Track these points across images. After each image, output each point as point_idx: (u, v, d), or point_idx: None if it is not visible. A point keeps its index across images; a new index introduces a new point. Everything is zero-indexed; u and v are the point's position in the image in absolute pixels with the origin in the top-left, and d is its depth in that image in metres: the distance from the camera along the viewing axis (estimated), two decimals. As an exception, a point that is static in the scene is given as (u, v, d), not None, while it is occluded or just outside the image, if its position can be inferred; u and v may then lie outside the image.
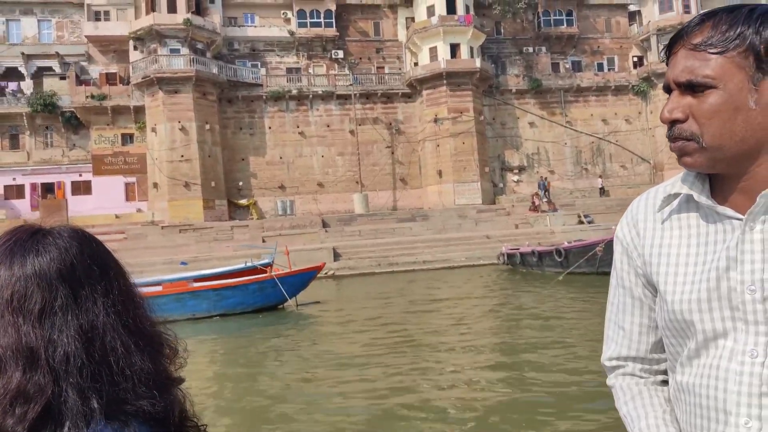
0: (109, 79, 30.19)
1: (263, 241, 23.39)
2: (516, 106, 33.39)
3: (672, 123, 0.84)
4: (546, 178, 30.13)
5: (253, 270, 13.28)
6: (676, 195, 0.89)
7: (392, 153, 32.47)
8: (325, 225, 24.51)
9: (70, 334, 0.72)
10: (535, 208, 25.49)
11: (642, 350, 0.95)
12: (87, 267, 0.75)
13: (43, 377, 0.70)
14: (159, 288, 10.79)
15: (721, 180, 0.86)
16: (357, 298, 12.78)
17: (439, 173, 30.99)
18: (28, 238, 0.75)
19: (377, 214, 26.21)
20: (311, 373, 6.27)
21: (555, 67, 34.36)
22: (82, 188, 29.56)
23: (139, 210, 29.57)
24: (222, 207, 29.44)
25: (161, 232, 23.97)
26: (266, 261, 13.88)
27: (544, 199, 26.03)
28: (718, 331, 0.82)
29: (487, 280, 15.19)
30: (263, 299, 10.82)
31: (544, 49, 34.36)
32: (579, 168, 33.69)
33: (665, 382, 0.96)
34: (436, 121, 31.16)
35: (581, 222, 23.62)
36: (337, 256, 21.02)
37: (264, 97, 31.08)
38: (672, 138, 0.84)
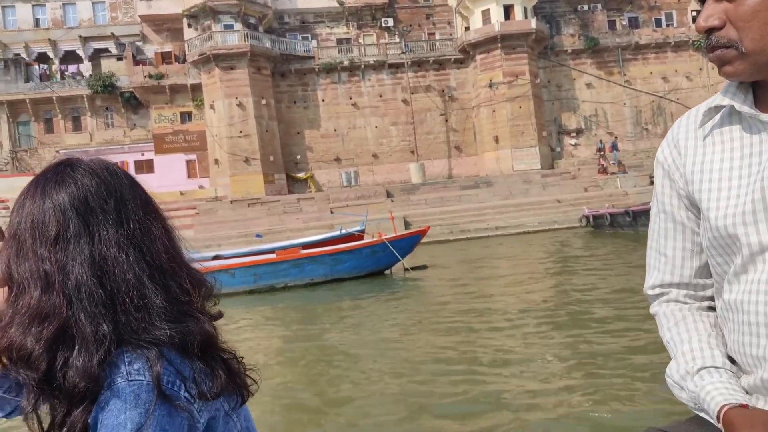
0: (165, 58, 30.47)
1: (331, 212, 23.59)
2: (572, 67, 32.48)
3: (709, 32, 0.79)
4: (616, 137, 29.52)
5: (348, 237, 13.43)
6: (718, 108, 0.85)
7: (446, 121, 32.10)
8: (389, 195, 24.53)
9: (82, 262, 0.75)
10: (603, 170, 24.97)
11: (685, 275, 0.92)
12: (102, 199, 0.78)
13: (59, 299, 0.74)
14: (273, 255, 11.00)
15: (765, 88, 0.82)
16: (466, 262, 12.79)
17: (496, 139, 30.54)
18: (53, 170, 0.80)
19: (439, 182, 26.08)
20: (410, 337, 6.20)
21: (611, 24, 33.19)
22: (144, 167, 30.16)
23: (201, 186, 30.08)
24: (281, 181, 29.71)
25: (230, 206, 24.39)
26: (358, 228, 14.01)
27: (612, 161, 25.44)
28: (765, 244, 0.78)
29: (580, 242, 15.01)
30: (375, 263, 10.93)
31: (599, 6, 33.18)
32: (639, 128, 32.76)
33: (710, 308, 0.92)
34: (491, 86, 30.58)
35: (653, 183, 23.05)
36: (407, 224, 21.02)
37: (316, 70, 30.96)
38: (710, 48, 0.80)
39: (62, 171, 0.80)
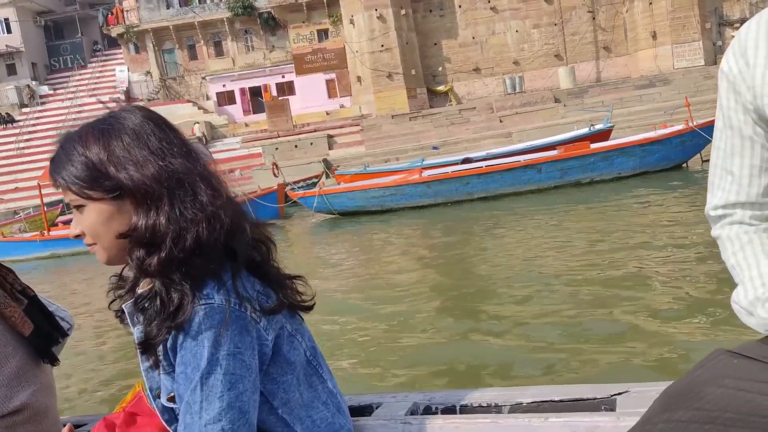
0: (298, -27, 29.61)
1: (500, 121, 22.85)
2: (739, -55, 28.86)
3: None
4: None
5: (597, 134, 12.83)
6: None
7: (593, 19, 29.78)
8: (557, 100, 23.38)
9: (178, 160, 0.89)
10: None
11: (753, 194, 0.84)
12: (159, 120, 0.92)
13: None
14: (556, 152, 10.62)
15: None
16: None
17: (653, 35, 28.10)
18: (98, 122, 0.90)
19: (608, 84, 24.55)
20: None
21: None
22: (285, 89, 30.25)
23: (342, 106, 29.92)
24: (423, 95, 28.99)
25: (392, 121, 24.12)
26: (603, 126, 13.32)
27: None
28: None
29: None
30: (682, 154, 10.31)
31: None
32: (818, 12, 29.12)
33: None
34: (647, -25, 27.81)
35: None
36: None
37: (452, -27, 29.23)
38: None
39: (106, 123, 0.89)
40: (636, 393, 1.04)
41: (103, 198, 0.86)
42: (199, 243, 0.83)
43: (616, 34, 29.76)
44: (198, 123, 26.10)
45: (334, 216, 11.20)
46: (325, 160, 21.21)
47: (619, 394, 1.06)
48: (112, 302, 0.98)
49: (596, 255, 5.67)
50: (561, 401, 1.09)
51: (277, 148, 22.36)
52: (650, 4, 28.06)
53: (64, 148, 0.89)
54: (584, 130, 13.02)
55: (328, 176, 16.99)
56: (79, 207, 0.89)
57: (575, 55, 29.68)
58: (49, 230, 12.46)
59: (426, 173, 10.29)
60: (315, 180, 16.21)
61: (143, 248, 0.85)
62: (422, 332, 4.24)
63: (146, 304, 0.88)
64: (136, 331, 0.91)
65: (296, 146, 22.28)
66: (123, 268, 0.97)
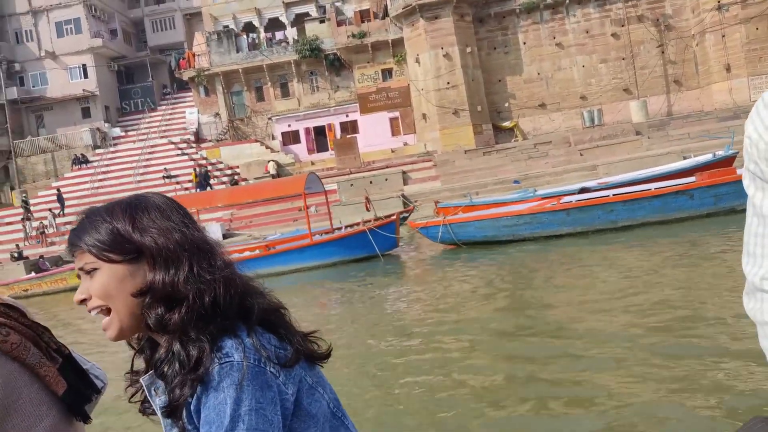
0: (363, 16, 30.25)
1: (581, 154, 22.27)
2: (814, -24, 28.23)
3: None
4: None
5: (720, 162, 12.15)
6: None
7: (662, 53, 29.31)
8: (637, 132, 22.73)
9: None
10: None
11: None
12: (179, 203, 0.97)
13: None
14: (693, 179, 9.99)
15: None
16: None
17: (727, 68, 27.40)
18: (126, 202, 0.95)
19: (691, 116, 23.82)
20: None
21: None
22: (349, 128, 30.45)
23: (405, 143, 29.86)
24: (489, 131, 28.74)
25: (465, 156, 23.82)
26: (725, 153, 12.63)
27: None
28: None
29: None
30: None
31: None
32: None
33: None
34: (719, 8, 27.34)
35: None
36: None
37: (516, 11, 29.33)
38: None
39: (133, 200, 0.95)
40: None
41: (120, 261, 0.89)
42: (215, 302, 0.87)
43: (686, 68, 29.16)
44: (272, 161, 26.33)
45: (454, 247, 10.72)
46: (403, 195, 20.90)
47: None
48: (132, 396, 1.00)
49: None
50: None
51: (352, 185, 22.22)
52: (723, 36, 27.47)
53: (89, 217, 0.92)
54: (707, 157, 12.35)
55: (415, 210, 16.61)
56: (90, 272, 0.90)
57: (645, 89, 29.12)
58: None
59: (564, 200, 9.75)
60: (407, 214, 15.83)
61: (163, 304, 0.87)
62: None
63: (165, 368, 0.88)
64: (159, 402, 0.91)
65: (371, 182, 22.09)
66: (132, 359, 0.99)
